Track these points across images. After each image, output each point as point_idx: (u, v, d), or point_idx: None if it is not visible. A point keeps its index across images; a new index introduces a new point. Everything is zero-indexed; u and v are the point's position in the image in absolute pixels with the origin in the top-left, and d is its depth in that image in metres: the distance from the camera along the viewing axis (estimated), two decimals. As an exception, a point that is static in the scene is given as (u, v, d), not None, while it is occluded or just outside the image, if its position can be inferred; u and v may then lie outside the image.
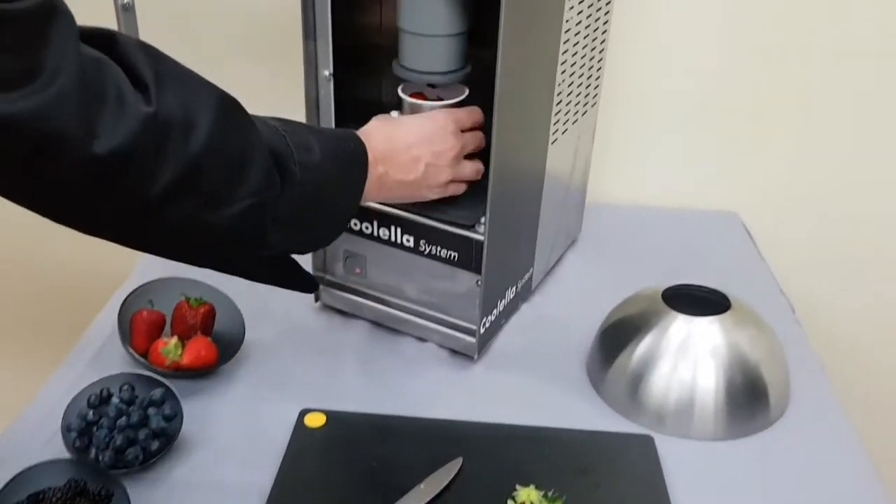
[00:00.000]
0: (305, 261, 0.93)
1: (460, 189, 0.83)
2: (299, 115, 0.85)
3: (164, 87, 0.54)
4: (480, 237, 0.82)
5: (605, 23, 0.95)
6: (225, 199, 0.59)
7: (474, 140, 0.82)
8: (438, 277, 0.88)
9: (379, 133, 0.75)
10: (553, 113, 0.88)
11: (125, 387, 0.76)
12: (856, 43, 1.11)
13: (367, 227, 0.88)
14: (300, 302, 0.96)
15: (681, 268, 1.07)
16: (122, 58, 0.54)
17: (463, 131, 0.81)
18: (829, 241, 1.24)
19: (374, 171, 0.73)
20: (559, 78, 0.87)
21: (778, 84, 1.15)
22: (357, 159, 0.71)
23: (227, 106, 0.59)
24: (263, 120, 0.64)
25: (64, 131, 0.49)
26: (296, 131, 0.66)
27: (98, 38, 0.54)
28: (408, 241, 0.87)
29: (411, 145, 0.76)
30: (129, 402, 0.75)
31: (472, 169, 0.82)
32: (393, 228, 0.87)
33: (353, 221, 0.88)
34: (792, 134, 1.18)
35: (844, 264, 1.25)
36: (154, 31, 0.82)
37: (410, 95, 0.84)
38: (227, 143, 0.58)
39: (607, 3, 0.94)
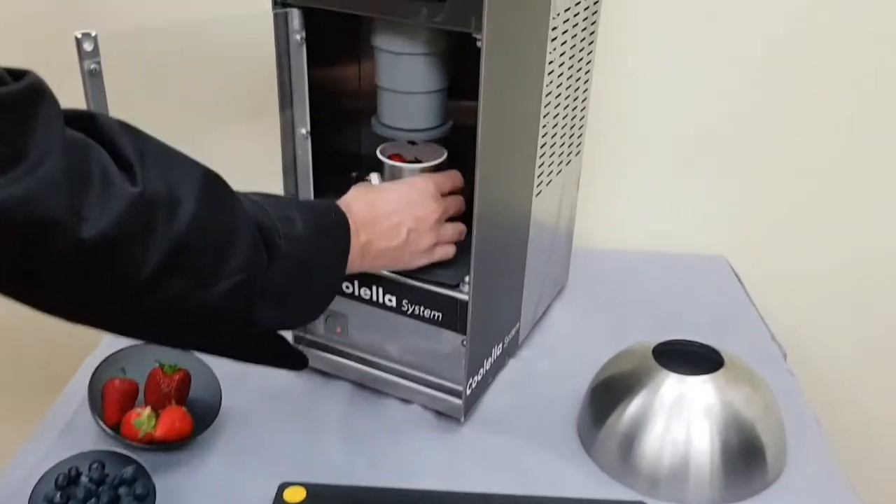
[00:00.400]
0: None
1: (449, 252, 0.81)
2: (277, 171, 0.83)
3: (148, 167, 0.53)
4: (465, 297, 0.80)
5: (587, 72, 0.94)
6: (213, 276, 0.57)
7: (455, 204, 0.81)
8: (422, 337, 0.85)
9: (359, 201, 0.73)
10: (537, 165, 0.86)
11: (95, 465, 0.73)
12: (842, 84, 1.10)
13: (347, 287, 0.86)
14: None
15: (670, 315, 1.05)
16: (104, 139, 0.52)
17: (443, 195, 0.79)
18: (818, 280, 1.22)
19: (357, 239, 0.71)
20: (542, 130, 0.85)
21: (761, 126, 1.14)
22: (339, 229, 0.69)
23: (211, 182, 0.58)
24: (245, 195, 0.62)
25: (51, 216, 0.47)
26: (277, 204, 0.64)
27: (79, 119, 0.52)
28: (390, 300, 0.84)
29: (392, 212, 0.74)
30: (99, 482, 0.71)
31: (454, 230, 0.81)
32: (374, 288, 0.84)
33: (332, 281, 0.86)
34: (777, 176, 1.17)
35: (834, 303, 1.24)
36: (122, 95, 0.80)
37: (390, 157, 0.82)
38: (212, 219, 0.56)
39: (589, 54, 0.92)
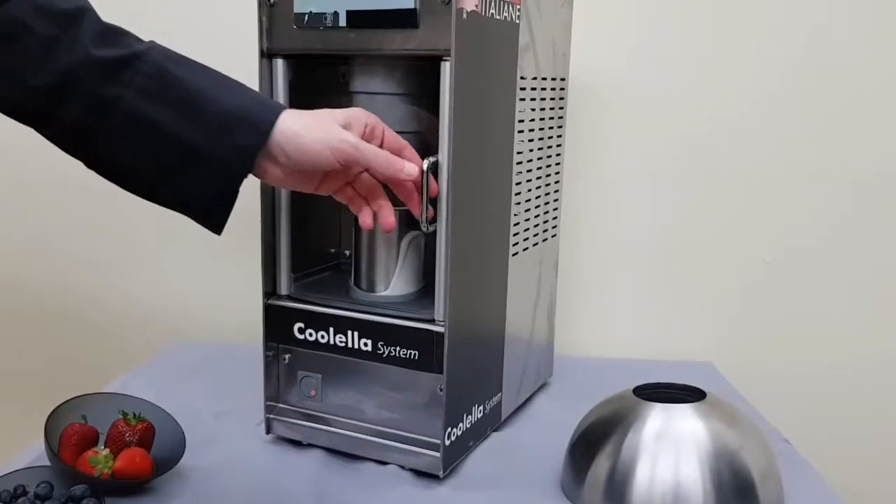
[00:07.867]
0: (255, 359, 0.87)
1: None
2: (256, 262, 0.85)
3: None
4: (441, 329, 0.79)
5: (559, 146, 0.99)
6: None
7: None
8: (399, 388, 0.83)
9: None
10: (512, 214, 0.88)
11: (42, 484, 0.68)
12: (821, 188, 1.16)
13: (322, 336, 0.84)
14: (250, 431, 0.89)
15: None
16: None
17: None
18: (807, 384, 1.20)
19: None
20: (516, 188, 0.88)
21: (743, 228, 1.18)
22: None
23: None
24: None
25: None
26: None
27: None
28: (366, 345, 0.83)
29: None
30: (45, 498, 0.66)
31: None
32: (350, 333, 0.83)
33: (308, 331, 0.85)
34: (761, 280, 1.19)
35: (826, 407, 1.20)
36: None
37: None
38: None
39: (559, 128, 0.98)
